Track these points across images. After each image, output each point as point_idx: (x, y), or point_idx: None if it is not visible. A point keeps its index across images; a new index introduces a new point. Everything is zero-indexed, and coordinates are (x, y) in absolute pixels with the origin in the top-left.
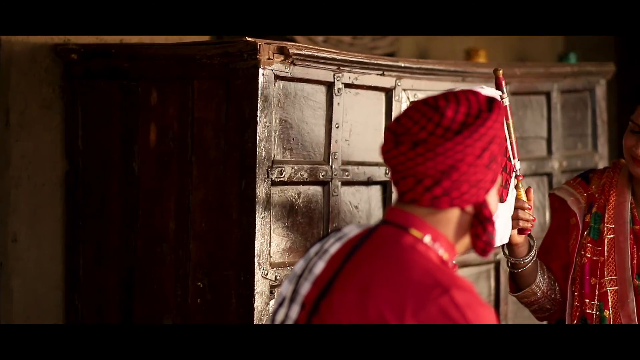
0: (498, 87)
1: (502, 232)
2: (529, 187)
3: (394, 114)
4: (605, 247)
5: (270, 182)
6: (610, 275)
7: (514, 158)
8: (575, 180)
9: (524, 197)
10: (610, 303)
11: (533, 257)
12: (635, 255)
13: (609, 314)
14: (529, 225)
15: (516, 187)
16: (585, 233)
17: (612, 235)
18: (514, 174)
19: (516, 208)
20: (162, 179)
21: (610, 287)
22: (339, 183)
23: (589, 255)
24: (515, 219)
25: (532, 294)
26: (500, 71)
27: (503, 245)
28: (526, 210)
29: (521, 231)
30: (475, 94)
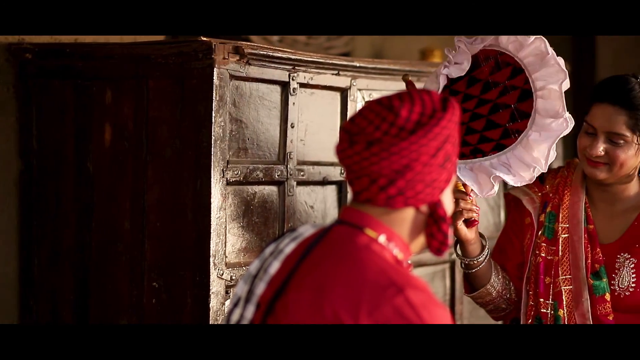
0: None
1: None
2: (465, 184)
3: (349, 114)
4: (560, 247)
5: (225, 182)
6: (565, 275)
7: None
8: None
9: (461, 189)
10: (564, 302)
11: (486, 257)
12: (590, 255)
13: (564, 313)
14: (475, 214)
15: None
16: (540, 232)
17: (566, 235)
18: None
19: (456, 200)
20: (117, 179)
21: (565, 286)
22: (295, 183)
23: (543, 255)
24: (458, 209)
25: (487, 294)
26: (408, 76)
27: (456, 246)
28: (467, 200)
29: (469, 223)
30: (430, 93)
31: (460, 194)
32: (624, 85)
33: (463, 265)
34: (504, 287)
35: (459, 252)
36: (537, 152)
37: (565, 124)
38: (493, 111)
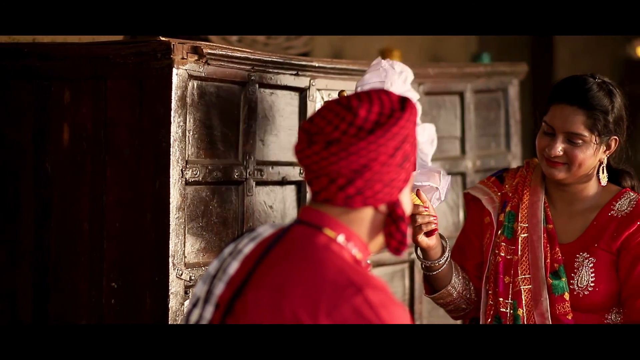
0: None
1: None
2: (418, 190)
3: (308, 114)
4: (519, 246)
5: (184, 182)
6: (524, 274)
7: None
8: (489, 179)
9: (417, 202)
10: (524, 302)
11: (447, 259)
12: (549, 255)
13: (523, 312)
14: (433, 226)
15: None
16: (500, 232)
17: (525, 235)
18: None
19: (413, 215)
20: (76, 179)
21: (524, 285)
22: (254, 183)
23: (503, 254)
24: (416, 225)
25: (447, 295)
26: (345, 92)
27: (416, 249)
28: (423, 213)
29: (428, 233)
30: (388, 93)
31: (415, 208)
32: (582, 86)
33: (424, 268)
34: (465, 288)
35: (420, 254)
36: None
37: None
38: None
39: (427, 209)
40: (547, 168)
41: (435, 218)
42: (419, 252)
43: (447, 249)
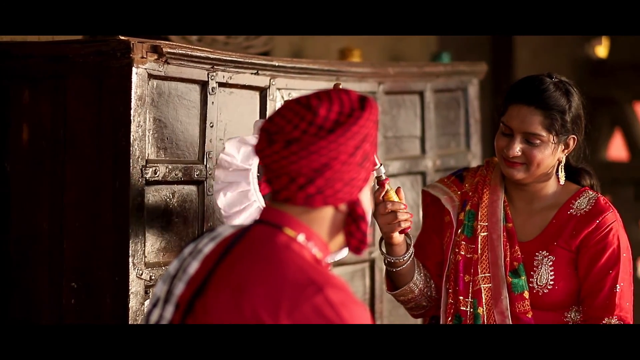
0: None
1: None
2: (398, 187)
3: (268, 113)
4: (479, 245)
5: (144, 181)
6: (484, 273)
7: (378, 162)
8: (449, 178)
9: (395, 198)
10: (484, 300)
11: (411, 255)
12: (508, 253)
13: (483, 311)
14: (409, 223)
15: (386, 191)
16: (459, 231)
17: (485, 233)
18: (375, 176)
19: (393, 212)
20: (35, 179)
21: (484, 284)
22: (214, 182)
23: (462, 253)
24: (396, 222)
25: (409, 292)
26: (340, 84)
27: (380, 244)
28: (402, 210)
29: (403, 231)
30: (348, 93)
31: (396, 205)
32: (539, 86)
33: (387, 264)
34: (426, 285)
35: (384, 250)
36: None
37: None
38: None
39: (405, 207)
40: (506, 168)
41: (411, 216)
42: (383, 247)
43: (411, 246)
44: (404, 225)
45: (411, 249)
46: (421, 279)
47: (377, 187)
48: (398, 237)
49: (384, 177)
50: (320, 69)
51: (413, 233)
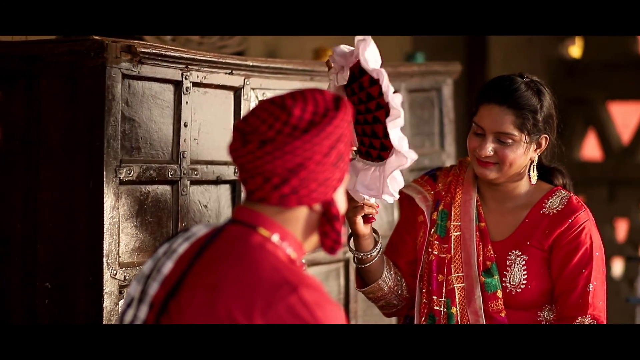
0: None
1: None
2: None
3: (243, 113)
4: (452, 245)
5: (118, 181)
6: (457, 272)
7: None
8: (422, 178)
9: None
10: (457, 300)
11: (379, 252)
12: (481, 253)
13: (457, 310)
14: (374, 211)
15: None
16: (433, 230)
17: (458, 233)
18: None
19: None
20: (9, 179)
21: (457, 284)
22: (188, 182)
23: (436, 253)
24: (359, 205)
25: (378, 289)
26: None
27: (349, 240)
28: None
29: (366, 219)
30: (323, 93)
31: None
32: (510, 86)
33: (356, 260)
34: (396, 284)
35: (352, 246)
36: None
37: (404, 159)
38: (375, 122)
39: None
40: (479, 168)
41: (377, 206)
42: (351, 243)
43: (379, 242)
44: (367, 210)
45: (379, 246)
46: (391, 276)
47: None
48: (362, 227)
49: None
50: (294, 68)
51: (387, 233)
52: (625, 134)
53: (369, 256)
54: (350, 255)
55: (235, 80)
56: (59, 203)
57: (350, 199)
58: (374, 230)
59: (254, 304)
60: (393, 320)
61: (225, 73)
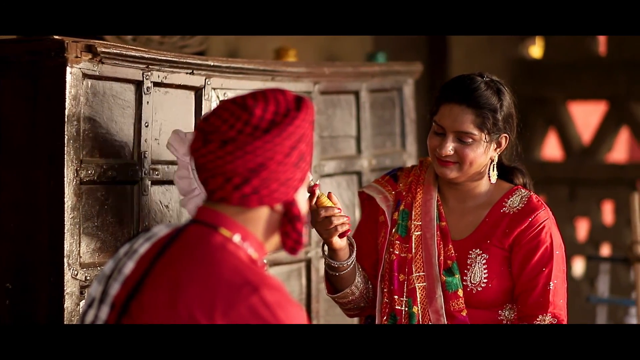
0: None
1: None
2: (329, 192)
3: (204, 113)
4: (413, 244)
5: (79, 181)
6: (419, 272)
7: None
8: (383, 178)
9: (328, 203)
10: (419, 299)
11: (354, 260)
12: (442, 252)
13: (418, 310)
14: (347, 227)
15: (318, 197)
16: (394, 230)
17: (419, 232)
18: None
19: (328, 217)
20: None
21: (419, 283)
22: (149, 182)
23: (397, 252)
24: (332, 227)
25: (350, 294)
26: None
27: (323, 249)
28: (337, 214)
29: (342, 234)
30: (284, 93)
31: (330, 210)
32: (470, 85)
33: (330, 268)
34: (366, 287)
35: (326, 252)
36: None
37: None
38: None
39: (339, 210)
40: (439, 167)
41: (348, 219)
42: (326, 251)
43: (355, 249)
44: (341, 229)
45: (354, 254)
46: (362, 280)
47: (308, 194)
48: (339, 242)
49: (312, 183)
50: (255, 68)
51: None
52: (585, 134)
53: (344, 265)
54: (311, 255)
55: (196, 80)
56: (19, 203)
57: (319, 220)
58: (348, 237)
59: (215, 304)
60: (355, 320)
61: (186, 73)
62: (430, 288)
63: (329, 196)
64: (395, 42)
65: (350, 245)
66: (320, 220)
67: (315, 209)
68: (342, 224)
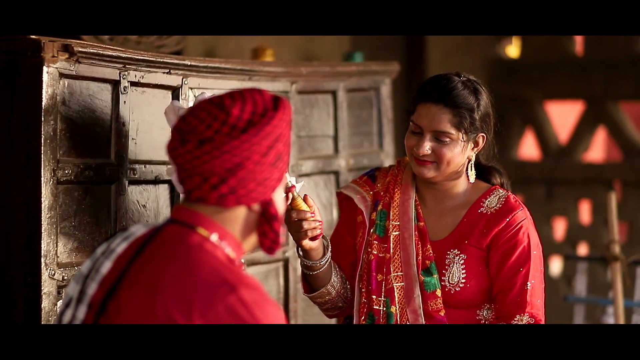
0: None
1: None
2: (305, 195)
3: (181, 112)
4: (391, 244)
5: (56, 181)
6: (397, 272)
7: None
8: (361, 178)
9: (304, 207)
10: (397, 299)
11: (328, 259)
12: (420, 252)
13: (396, 309)
14: (318, 231)
15: (293, 199)
16: (372, 230)
17: (397, 232)
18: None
19: (300, 220)
20: None
21: (397, 283)
22: (127, 182)
23: (375, 252)
24: (302, 230)
25: (327, 294)
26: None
27: (298, 249)
28: (310, 219)
29: (313, 238)
30: (261, 92)
31: (302, 214)
32: (447, 84)
33: (304, 267)
34: (342, 287)
35: (301, 253)
36: None
37: None
38: None
39: (313, 215)
40: (416, 167)
41: (320, 223)
42: (300, 251)
43: (329, 249)
44: (311, 234)
45: (328, 253)
46: (338, 280)
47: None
48: (310, 244)
49: (289, 184)
50: (232, 68)
51: (327, 233)
52: (562, 134)
53: (318, 264)
54: (290, 254)
55: (173, 79)
56: None
57: (291, 222)
58: (323, 237)
59: (192, 304)
60: (333, 320)
61: (163, 72)
62: (409, 288)
63: (305, 199)
64: (373, 42)
65: (325, 245)
66: (292, 222)
67: (289, 210)
68: (314, 228)
